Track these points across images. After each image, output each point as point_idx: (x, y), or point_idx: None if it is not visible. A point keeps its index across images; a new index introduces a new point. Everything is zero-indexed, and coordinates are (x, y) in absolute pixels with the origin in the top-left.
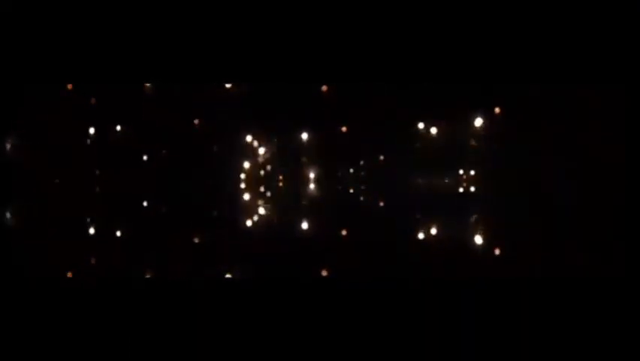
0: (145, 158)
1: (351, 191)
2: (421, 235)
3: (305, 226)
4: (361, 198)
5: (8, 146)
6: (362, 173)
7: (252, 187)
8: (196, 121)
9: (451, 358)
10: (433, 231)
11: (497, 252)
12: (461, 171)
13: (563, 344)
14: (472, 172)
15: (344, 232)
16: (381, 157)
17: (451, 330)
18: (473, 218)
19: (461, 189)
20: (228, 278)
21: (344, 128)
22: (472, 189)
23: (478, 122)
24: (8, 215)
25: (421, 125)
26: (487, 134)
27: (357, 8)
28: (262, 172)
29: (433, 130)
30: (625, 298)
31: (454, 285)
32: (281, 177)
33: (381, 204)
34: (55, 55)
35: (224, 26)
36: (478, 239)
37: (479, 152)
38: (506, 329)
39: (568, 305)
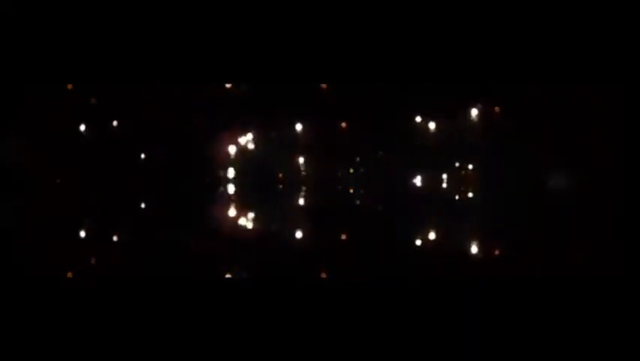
0: (145, 158)
1: (351, 191)
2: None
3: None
4: (358, 202)
5: (8, 146)
6: (362, 170)
7: (250, 187)
8: (195, 120)
9: (451, 358)
10: (433, 231)
11: (497, 252)
12: (457, 164)
13: (563, 344)
14: (472, 173)
15: (343, 236)
16: (380, 152)
17: (451, 330)
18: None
19: (460, 190)
20: (228, 278)
21: (343, 124)
22: (472, 189)
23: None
24: (8, 215)
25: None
26: (486, 134)
27: (357, 8)
28: (261, 172)
29: (433, 129)
30: (625, 298)
31: (454, 285)
32: (280, 175)
33: (380, 208)
34: (55, 55)
35: (224, 26)
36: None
37: (479, 152)
38: (506, 329)
39: (568, 305)
